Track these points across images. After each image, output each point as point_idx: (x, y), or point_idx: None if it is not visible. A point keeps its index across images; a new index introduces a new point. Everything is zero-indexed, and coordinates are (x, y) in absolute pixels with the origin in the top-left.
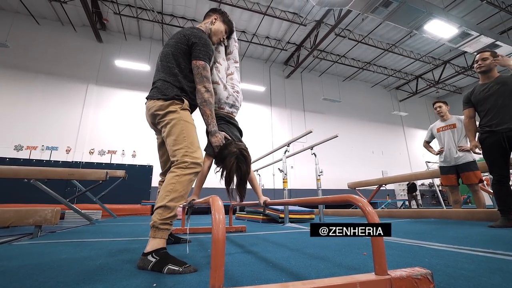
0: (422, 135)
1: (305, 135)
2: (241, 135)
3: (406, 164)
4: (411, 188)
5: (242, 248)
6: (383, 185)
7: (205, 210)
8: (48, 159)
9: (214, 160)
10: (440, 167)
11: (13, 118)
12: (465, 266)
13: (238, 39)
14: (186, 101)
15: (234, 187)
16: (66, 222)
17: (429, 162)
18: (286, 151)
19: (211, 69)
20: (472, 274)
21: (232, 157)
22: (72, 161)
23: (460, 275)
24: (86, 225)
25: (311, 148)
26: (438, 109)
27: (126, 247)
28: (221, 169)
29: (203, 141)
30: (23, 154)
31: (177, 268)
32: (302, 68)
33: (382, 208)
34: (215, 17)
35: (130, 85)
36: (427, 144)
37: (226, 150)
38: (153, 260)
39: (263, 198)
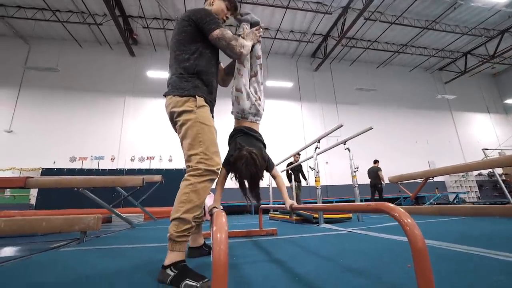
0: (475, 119)
1: (335, 130)
2: (264, 146)
3: (457, 153)
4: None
5: (268, 255)
6: (431, 178)
7: (236, 211)
8: (97, 167)
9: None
10: None
11: (67, 133)
12: None
13: (261, 37)
14: (199, 98)
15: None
16: (113, 225)
17: (487, 149)
18: (316, 147)
19: (235, 76)
20: None
21: (241, 160)
22: (116, 169)
23: None
24: (128, 228)
25: (344, 143)
26: None
27: (154, 255)
28: (234, 174)
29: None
30: (76, 165)
31: (194, 284)
32: (331, 58)
33: (431, 202)
34: None
35: (162, 93)
36: None
37: (236, 155)
38: (172, 274)
39: (289, 202)
